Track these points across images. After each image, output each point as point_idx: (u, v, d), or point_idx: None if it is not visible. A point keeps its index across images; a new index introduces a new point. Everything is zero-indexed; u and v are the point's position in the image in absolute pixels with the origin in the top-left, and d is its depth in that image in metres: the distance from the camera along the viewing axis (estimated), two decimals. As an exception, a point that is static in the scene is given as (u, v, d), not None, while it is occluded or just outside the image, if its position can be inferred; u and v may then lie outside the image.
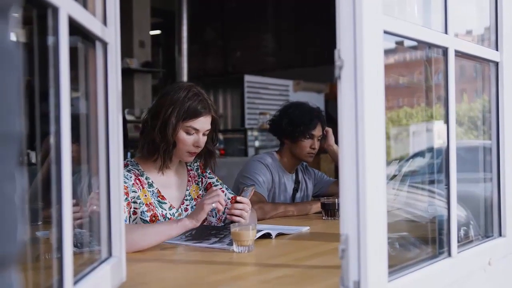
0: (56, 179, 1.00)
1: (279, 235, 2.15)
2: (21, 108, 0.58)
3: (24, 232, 0.60)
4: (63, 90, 1.00)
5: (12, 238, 0.57)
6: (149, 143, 2.18)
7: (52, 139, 1.01)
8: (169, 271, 1.66)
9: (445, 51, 1.50)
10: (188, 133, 2.17)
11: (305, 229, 2.32)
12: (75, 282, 1.08)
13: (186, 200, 2.32)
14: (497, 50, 1.78)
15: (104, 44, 1.34)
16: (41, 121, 1.02)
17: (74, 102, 1.08)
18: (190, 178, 2.37)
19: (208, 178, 2.41)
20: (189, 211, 2.27)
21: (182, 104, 2.14)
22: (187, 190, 2.33)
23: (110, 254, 1.36)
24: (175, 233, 1.96)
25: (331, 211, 2.61)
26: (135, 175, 2.16)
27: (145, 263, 1.73)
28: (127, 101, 7.28)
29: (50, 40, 1.01)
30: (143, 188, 2.17)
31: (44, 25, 1.01)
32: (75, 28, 1.10)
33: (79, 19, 1.10)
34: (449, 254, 1.49)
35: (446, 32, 1.50)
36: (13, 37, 0.57)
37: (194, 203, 2.33)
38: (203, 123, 2.19)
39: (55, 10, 0.98)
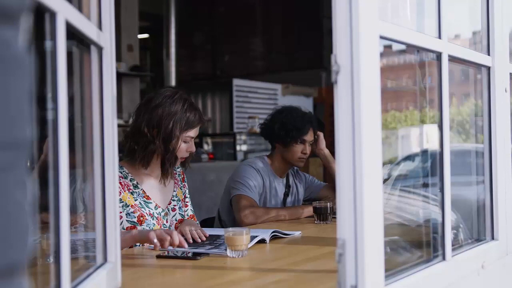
0: (53, 185, 0.99)
1: (273, 238, 2.15)
2: (31, 115, 0.58)
3: (34, 239, 0.60)
4: (60, 95, 0.99)
5: (23, 245, 0.56)
6: (149, 155, 2.23)
7: (49, 144, 1.00)
8: (164, 277, 1.65)
9: (438, 55, 1.51)
10: (185, 142, 2.28)
11: (297, 233, 2.32)
12: (72, 289, 1.08)
13: (174, 200, 2.39)
14: (488, 54, 1.80)
15: (100, 49, 1.33)
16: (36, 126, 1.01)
17: (68, 107, 1.07)
18: (176, 181, 2.44)
19: (186, 188, 2.50)
20: (177, 211, 2.37)
21: (181, 117, 2.23)
22: (174, 191, 2.41)
23: (105, 259, 1.35)
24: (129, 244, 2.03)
25: (323, 215, 2.62)
26: None
27: (140, 269, 1.72)
28: (115, 105, 7.24)
29: (47, 44, 1.00)
30: (124, 191, 2.22)
31: (40, 29, 1.00)
32: (71, 33, 1.10)
33: (76, 23, 1.10)
34: (444, 258, 1.50)
35: (439, 37, 1.51)
36: (23, 43, 0.57)
37: (181, 204, 2.41)
38: (197, 130, 2.32)
39: (53, 14, 0.98)
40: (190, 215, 2.45)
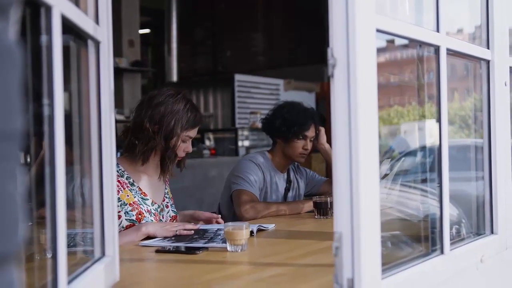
0: (49, 180, 0.99)
1: (259, 231, 2.20)
2: (21, 106, 0.58)
3: (25, 230, 0.60)
4: (56, 90, 0.99)
5: (14, 236, 0.57)
6: (149, 150, 2.25)
7: (45, 140, 1.01)
8: (162, 271, 1.66)
9: (437, 49, 1.51)
10: (184, 141, 2.30)
11: (272, 226, 2.35)
12: (69, 282, 1.08)
13: (166, 197, 2.43)
14: (488, 48, 1.79)
15: (97, 43, 1.33)
16: (33, 121, 1.01)
17: (65, 102, 1.07)
18: (167, 179, 2.47)
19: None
20: (170, 208, 2.41)
21: (183, 116, 2.26)
22: (166, 189, 2.45)
23: (103, 253, 1.35)
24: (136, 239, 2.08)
25: (323, 209, 2.62)
26: None
27: (139, 263, 1.72)
28: (116, 101, 7.23)
29: (43, 39, 1.00)
30: (124, 188, 2.22)
31: (36, 23, 1.00)
32: (67, 27, 1.09)
33: (72, 17, 1.10)
34: (442, 252, 1.50)
35: (438, 30, 1.50)
36: (13, 35, 0.57)
37: (172, 201, 2.46)
38: (196, 131, 2.35)
39: (48, 8, 0.98)
40: (172, 216, 2.44)
